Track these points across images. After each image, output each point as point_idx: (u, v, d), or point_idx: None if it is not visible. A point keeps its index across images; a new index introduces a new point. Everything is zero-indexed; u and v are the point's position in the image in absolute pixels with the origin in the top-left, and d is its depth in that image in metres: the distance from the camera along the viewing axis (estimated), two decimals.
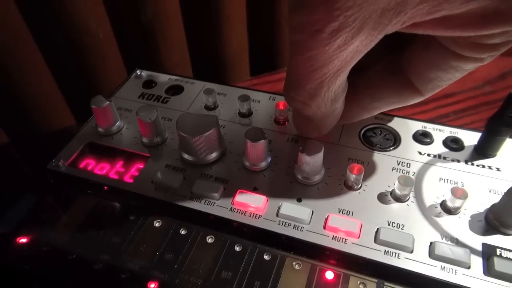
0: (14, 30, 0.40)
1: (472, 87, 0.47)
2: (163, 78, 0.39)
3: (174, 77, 0.39)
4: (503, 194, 0.25)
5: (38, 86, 0.44)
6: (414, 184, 0.28)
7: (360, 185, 0.28)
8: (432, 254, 0.24)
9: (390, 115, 0.34)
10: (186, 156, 0.30)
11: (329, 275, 0.24)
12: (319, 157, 0.27)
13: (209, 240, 0.26)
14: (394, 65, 0.25)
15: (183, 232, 0.27)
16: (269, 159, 0.30)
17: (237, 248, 0.26)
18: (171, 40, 0.49)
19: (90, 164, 0.31)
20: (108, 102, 0.32)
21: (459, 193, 0.25)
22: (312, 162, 0.27)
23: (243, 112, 0.34)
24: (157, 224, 0.27)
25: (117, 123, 0.33)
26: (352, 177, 0.27)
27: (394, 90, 0.26)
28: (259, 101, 0.36)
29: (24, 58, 0.42)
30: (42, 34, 0.43)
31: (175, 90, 0.37)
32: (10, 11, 0.39)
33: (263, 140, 0.28)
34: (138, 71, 0.39)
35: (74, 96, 0.48)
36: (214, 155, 0.30)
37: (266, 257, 0.25)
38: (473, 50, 0.21)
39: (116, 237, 0.27)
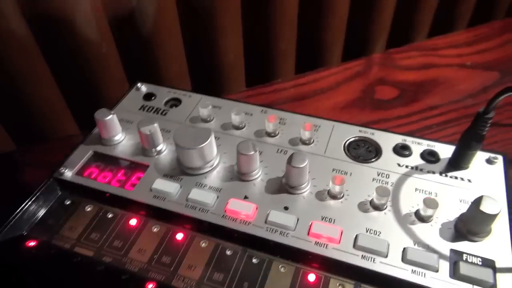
0: (21, 43, 0.43)
1: (455, 100, 0.50)
2: (162, 91, 0.41)
3: (173, 90, 0.41)
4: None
5: (44, 97, 0.47)
6: (391, 193, 0.30)
7: (342, 195, 0.30)
8: (404, 258, 0.26)
9: (373, 129, 0.36)
10: (182, 166, 0.33)
11: (311, 277, 0.27)
12: (304, 169, 0.29)
13: (203, 244, 0.29)
14: None
15: (179, 237, 0.29)
16: (259, 170, 0.32)
17: (228, 252, 0.28)
18: (170, 52, 0.52)
19: (93, 172, 0.34)
20: (111, 115, 0.34)
21: (430, 203, 0.28)
22: (298, 173, 0.30)
23: (236, 124, 0.37)
24: (155, 230, 0.30)
25: (119, 134, 0.36)
26: (335, 187, 0.30)
27: None
28: (251, 114, 0.38)
29: (31, 70, 0.45)
30: (48, 47, 0.45)
31: (174, 102, 0.40)
32: (17, 24, 0.41)
33: (253, 152, 0.30)
34: (138, 84, 0.42)
35: (78, 106, 0.50)
36: (209, 165, 0.32)
37: (254, 260, 0.28)
38: None
39: (117, 241, 0.29)
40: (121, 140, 0.36)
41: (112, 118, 0.34)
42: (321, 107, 0.49)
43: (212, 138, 0.32)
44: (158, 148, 0.34)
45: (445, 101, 0.49)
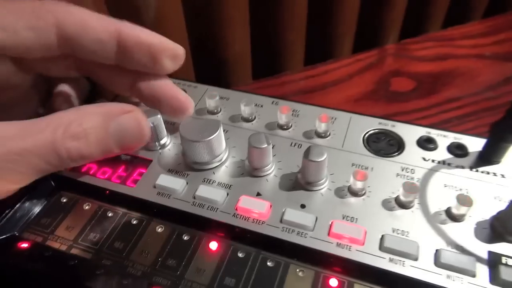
0: None
1: (475, 92, 0.47)
2: None
3: (177, 81, 0.39)
4: (508, 201, 0.25)
5: None
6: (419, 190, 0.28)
7: (364, 191, 0.28)
8: (437, 262, 0.24)
9: (394, 120, 0.33)
10: (189, 160, 0.30)
11: (333, 282, 0.24)
12: (323, 163, 0.27)
13: (212, 246, 0.26)
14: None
15: (185, 237, 0.26)
16: (272, 165, 0.30)
17: (240, 255, 0.25)
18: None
19: (92, 168, 0.31)
20: None
21: (464, 200, 0.25)
22: (316, 168, 0.27)
23: (245, 116, 0.34)
24: (159, 230, 0.27)
25: None
26: (357, 183, 0.27)
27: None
28: (261, 106, 0.35)
29: None
30: None
31: None
32: None
33: (267, 145, 0.28)
34: None
35: None
36: (217, 159, 0.30)
37: (269, 263, 0.25)
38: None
39: (118, 242, 0.26)
40: None
41: None
42: (333, 100, 0.47)
43: (221, 130, 0.29)
44: (162, 141, 0.32)
45: (464, 94, 0.47)
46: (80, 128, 0.24)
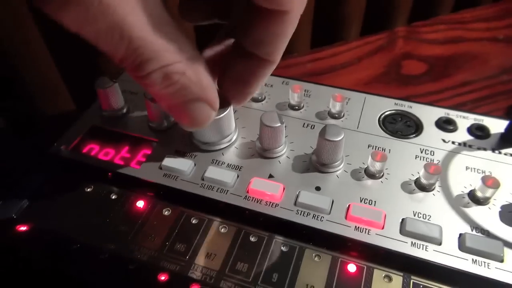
0: (14, 10, 0.38)
1: (489, 75, 0.45)
2: None
3: None
4: None
5: (37, 69, 0.42)
6: None
7: (382, 173, 0.26)
8: (462, 246, 0.22)
9: (410, 101, 0.32)
10: (196, 141, 0.28)
11: (352, 268, 0.23)
12: (340, 143, 0.25)
13: (222, 230, 0.25)
14: (239, 48, 0.23)
15: (194, 221, 0.25)
16: (285, 146, 0.28)
17: (252, 239, 0.24)
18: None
19: (94, 149, 0.30)
20: (113, 83, 0.30)
21: (491, 182, 0.24)
22: (333, 148, 0.25)
23: (255, 96, 0.32)
24: (166, 213, 0.26)
25: (123, 106, 0.31)
26: (375, 164, 0.25)
27: (249, 70, 0.24)
28: (271, 86, 0.34)
29: (24, 40, 0.40)
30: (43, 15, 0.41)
31: None
32: None
33: (280, 125, 0.26)
34: None
35: (76, 80, 0.46)
36: (226, 140, 0.28)
37: (283, 248, 0.24)
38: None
39: (123, 225, 0.25)
40: (125, 113, 0.32)
41: (114, 87, 0.30)
42: (343, 83, 0.45)
43: (230, 109, 0.27)
44: (168, 121, 0.30)
45: (478, 77, 0.45)
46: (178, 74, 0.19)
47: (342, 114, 0.31)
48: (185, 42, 0.20)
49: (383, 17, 0.59)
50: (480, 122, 0.30)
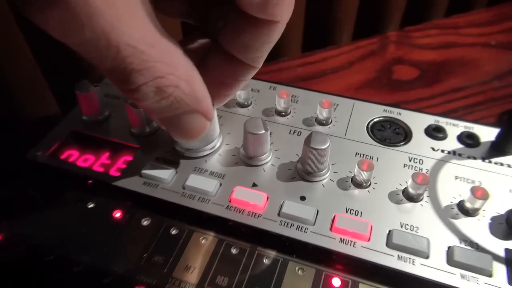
0: None
1: (481, 81, 0.45)
2: None
3: None
4: None
5: (20, 71, 0.41)
6: None
7: (369, 183, 0.26)
8: (450, 260, 0.22)
9: (400, 108, 0.31)
10: (178, 148, 0.27)
11: (336, 282, 0.22)
12: (325, 151, 0.24)
13: (203, 241, 0.24)
14: (220, 50, 0.22)
15: (173, 232, 0.24)
16: (270, 153, 0.27)
17: (234, 251, 0.23)
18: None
19: (73, 155, 0.29)
20: (94, 87, 0.29)
21: (480, 193, 0.23)
22: (318, 156, 0.25)
23: (241, 101, 0.31)
24: (145, 223, 0.25)
25: (104, 111, 0.30)
26: (362, 173, 0.25)
27: (230, 73, 0.22)
28: (258, 91, 0.33)
29: (6, 42, 0.39)
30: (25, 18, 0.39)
31: None
32: None
33: (264, 132, 0.25)
34: None
35: (59, 83, 0.45)
36: (209, 147, 0.27)
37: (266, 261, 0.23)
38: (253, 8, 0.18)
39: (99, 236, 0.24)
40: (106, 118, 0.31)
41: (94, 91, 0.29)
42: (333, 87, 0.44)
43: (215, 114, 0.26)
44: (150, 127, 0.29)
45: (470, 83, 0.45)
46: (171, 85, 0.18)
47: (330, 120, 0.30)
48: (177, 52, 0.18)
49: (375, 21, 0.59)
50: (470, 130, 0.29)
